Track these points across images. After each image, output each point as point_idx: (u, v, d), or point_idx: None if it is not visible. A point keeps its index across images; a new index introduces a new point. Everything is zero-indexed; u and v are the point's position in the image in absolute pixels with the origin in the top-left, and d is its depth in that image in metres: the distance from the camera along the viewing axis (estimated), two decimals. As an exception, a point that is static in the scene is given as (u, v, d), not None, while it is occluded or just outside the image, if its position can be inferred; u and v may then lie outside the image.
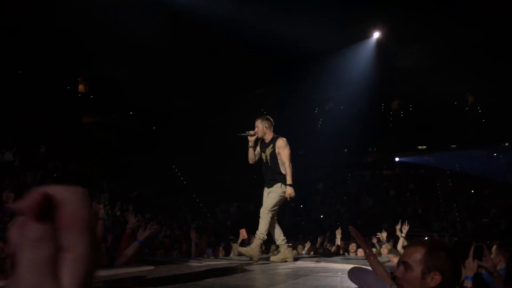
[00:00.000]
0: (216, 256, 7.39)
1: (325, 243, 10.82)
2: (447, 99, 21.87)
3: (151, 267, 5.19)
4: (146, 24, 15.76)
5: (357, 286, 2.33)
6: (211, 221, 17.32)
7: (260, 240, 6.05)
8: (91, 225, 0.56)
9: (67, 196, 0.55)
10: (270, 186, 6.19)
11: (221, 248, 8.03)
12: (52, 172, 14.11)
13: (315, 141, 20.65)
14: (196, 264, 5.78)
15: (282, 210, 18.69)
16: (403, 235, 7.63)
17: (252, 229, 10.13)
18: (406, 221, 7.96)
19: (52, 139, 15.81)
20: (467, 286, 2.37)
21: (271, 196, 6.13)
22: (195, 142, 19.12)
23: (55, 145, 15.67)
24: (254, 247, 6.04)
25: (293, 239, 13.40)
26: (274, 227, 6.33)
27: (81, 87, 20.49)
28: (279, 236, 6.33)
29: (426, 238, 6.11)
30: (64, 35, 15.34)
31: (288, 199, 6.12)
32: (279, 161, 6.17)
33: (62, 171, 14.12)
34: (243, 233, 8.56)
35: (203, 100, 19.90)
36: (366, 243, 3.40)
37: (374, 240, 8.71)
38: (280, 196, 6.06)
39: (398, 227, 7.80)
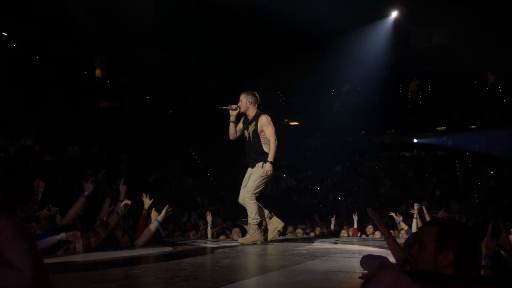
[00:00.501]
0: (232, 238, 7.45)
1: (344, 226, 10.81)
2: (466, 79, 21.45)
3: (169, 248, 5.26)
4: (162, 7, 15.75)
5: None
6: (228, 204, 17.44)
7: (254, 225, 5.79)
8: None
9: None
10: (252, 166, 5.89)
11: (238, 230, 8.10)
12: (71, 156, 14.32)
13: (332, 123, 20.50)
14: (212, 246, 5.84)
15: (300, 191, 18.91)
16: (415, 215, 7.56)
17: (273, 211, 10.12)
18: (420, 201, 7.89)
19: (71, 124, 16.01)
20: (485, 265, 2.35)
21: (253, 178, 5.82)
22: (212, 126, 19.16)
23: (74, 130, 15.87)
24: (253, 233, 5.80)
25: (310, 221, 13.47)
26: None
27: (98, 72, 20.64)
28: (254, 215, 5.87)
29: (438, 216, 6.02)
30: (80, 19, 15.40)
31: (266, 176, 5.77)
32: (262, 139, 5.87)
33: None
34: None
35: (220, 83, 19.87)
36: (385, 225, 3.38)
37: (399, 219, 8.61)
38: (262, 177, 5.75)
39: (417, 206, 7.71)
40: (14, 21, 15.60)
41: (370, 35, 20.44)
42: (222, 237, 8.09)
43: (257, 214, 5.79)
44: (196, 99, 19.59)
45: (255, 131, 5.88)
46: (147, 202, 5.87)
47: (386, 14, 20.29)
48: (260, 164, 5.77)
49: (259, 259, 4.71)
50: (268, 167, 5.69)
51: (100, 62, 20.49)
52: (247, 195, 5.79)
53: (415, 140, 22.21)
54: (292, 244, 6.15)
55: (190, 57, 18.01)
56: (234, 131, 6.11)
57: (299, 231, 10.44)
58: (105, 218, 4.94)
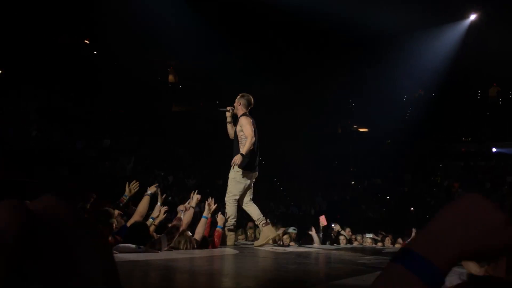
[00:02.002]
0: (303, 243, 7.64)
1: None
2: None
3: (236, 252, 5.34)
4: (228, 12, 16.09)
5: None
6: (294, 209, 17.40)
7: (227, 228, 5.96)
8: None
9: None
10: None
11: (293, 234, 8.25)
12: (144, 158, 14.96)
13: (404, 130, 19.86)
14: (276, 250, 5.86)
15: (368, 201, 18.49)
16: None
17: (337, 218, 10.05)
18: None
19: (145, 128, 16.72)
20: None
21: (229, 182, 6.04)
22: (284, 130, 19.23)
23: (147, 134, 16.57)
24: (229, 237, 5.96)
25: (379, 230, 13.08)
26: (250, 208, 6.14)
27: (171, 77, 21.41)
28: (257, 216, 6.03)
29: None
30: (155, 26, 16.07)
31: (232, 165, 5.90)
32: (240, 139, 6.01)
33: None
34: (322, 220, 8.57)
35: (286, 88, 19.92)
36: None
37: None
38: (237, 181, 5.92)
39: None
40: (90, 27, 16.54)
41: (444, 37, 19.59)
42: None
43: (233, 219, 6.00)
44: (263, 101, 19.74)
45: (235, 131, 6.14)
46: (195, 198, 5.92)
47: (462, 16, 19.37)
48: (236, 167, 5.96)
49: (326, 266, 4.67)
50: (237, 157, 5.86)
51: (173, 67, 21.25)
52: (226, 198, 6.06)
53: (494, 149, 20.98)
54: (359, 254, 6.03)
55: (256, 60, 18.24)
56: (231, 131, 6.33)
57: (367, 240, 10.21)
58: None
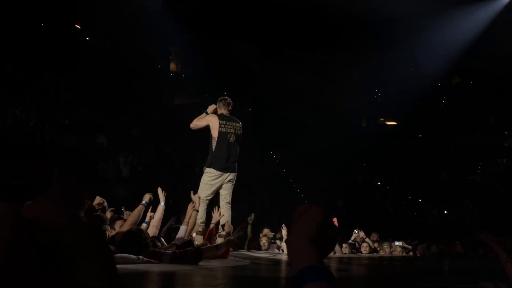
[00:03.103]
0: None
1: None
2: None
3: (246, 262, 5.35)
4: None
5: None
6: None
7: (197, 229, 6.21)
8: None
9: None
10: None
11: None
12: (145, 156, 14.99)
13: (437, 122, 19.71)
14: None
15: (394, 204, 18.40)
16: None
17: (361, 224, 10.02)
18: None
19: (145, 122, 16.77)
20: None
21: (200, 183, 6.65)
22: (299, 125, 19.20)
23: (148, 128, 16.61)
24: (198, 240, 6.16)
25: (405, 240, 12.94)
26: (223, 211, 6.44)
27: (172, 66, 21.42)
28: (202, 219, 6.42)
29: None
30: (155, 12, 16.13)
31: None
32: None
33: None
34: (334, 222, 8.62)
35: (303, 78, 19.88)
36: (502, 247, 3.30)
37: None
38: (204, 183, 6.53)
39: None
40: (88, 15, 16.67)
41: (478, 19, 19.28)
42: None
43: (199, 219, 6.22)
44: (280, 92, 19.73)
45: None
46: (216, 217, 6.18)
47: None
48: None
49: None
50: None
51: (175, 55, 21.27)
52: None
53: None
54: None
55: (275, 46, 18.21)
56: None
57: (396, 248, 10.15)
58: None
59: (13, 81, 13.62)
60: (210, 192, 6.48)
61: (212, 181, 6.47)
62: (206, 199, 6.44)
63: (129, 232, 4.85)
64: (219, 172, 6.48)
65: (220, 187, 6.56)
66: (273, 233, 9.13)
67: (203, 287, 3.27)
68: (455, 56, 19.65)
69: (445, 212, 17.45)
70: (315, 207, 0.90)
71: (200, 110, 7.22)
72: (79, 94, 15.29)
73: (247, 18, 17.16)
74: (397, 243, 11.53)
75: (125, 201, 6.54)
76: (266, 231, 9.09)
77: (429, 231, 13.69)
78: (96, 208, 5.47)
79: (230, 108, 6.91)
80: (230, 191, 6.61)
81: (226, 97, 7.05)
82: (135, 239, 4.67)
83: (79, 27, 17.73)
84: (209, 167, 6.55)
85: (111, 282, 0.58)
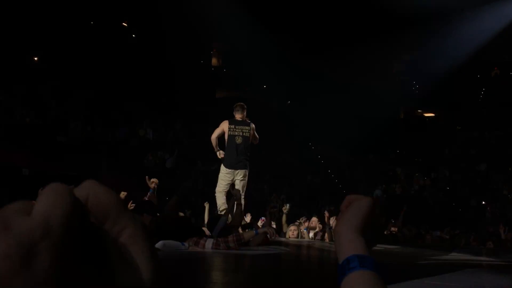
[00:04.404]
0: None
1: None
2: None
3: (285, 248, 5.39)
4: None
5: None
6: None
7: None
8: None
9: None
10: None
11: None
12: (187, 149, 15.19)
13: (477, 114, 19.17)
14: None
15: (436, 194, 17.99)
16: None
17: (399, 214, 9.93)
18: None
19: (187, 115, 16.98)
20: None
21: None
22: (337, 116, 19.04)
23: (190, 122, 16.82)
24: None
25: (442, 231, 12.72)
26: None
27: (214, 61, 21.57)
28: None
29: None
30: (198, 6, 16.24)
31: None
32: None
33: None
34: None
35: (339, 69, 19.69)
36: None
37: None
38: (220, 178, 7.55)
39: None
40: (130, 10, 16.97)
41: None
42: None
43: (220, 207, 7.41)
44: (318, 84, 19.61)
45: None
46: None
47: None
48: None
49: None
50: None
51: (216, 50, 21.39)
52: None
53: None
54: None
55: (315, 39, 18.09)
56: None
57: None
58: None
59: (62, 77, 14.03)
60: (225, 184, 7.45)
61: (225, 176, 7.47)
62: (224, 191, 7.45)
63: (176, 219, 4.99)
64: (230, 170, 7.45)
65: (233, 181, 7.48)
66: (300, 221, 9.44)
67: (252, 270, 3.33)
68: (494, 47, 19.06)
69: (483, 203, 17.02)
70: (363, 197, 0.93)
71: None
72: (124, 88, 15.61)
73: (286, 10, 17.09)
74: (434, 233, 11.37)
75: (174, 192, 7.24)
76: (314, 219, 9.50)
77: (468, 222, 13.41)
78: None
79: (244, 113, 7.71)
80: (241, 186, 7.39)
81: (241, 103, 7.79)
82: (182, 227, 4.79)
83: (126, 24, 18.06)
84: (222, 164, 7.57)
85: (155, 272, 0.55)
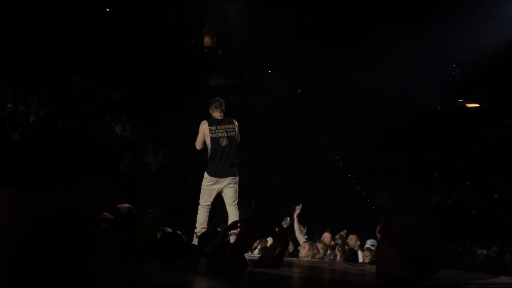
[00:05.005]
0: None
1: None
2: None
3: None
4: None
5: None
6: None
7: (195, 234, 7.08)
8: None
9: None
10: None
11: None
12: (174, 148, 15.19)
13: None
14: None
15: (481, 204, 17.96)
16: None
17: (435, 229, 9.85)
18: None
19: (175, 107, 16.98)
20: None
21: None
22: (359, 109, 19.10)
23: (176, 113, 16.83)
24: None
25: (488, 247, 12.67)
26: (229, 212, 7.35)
27: (207, 40, 21.41)
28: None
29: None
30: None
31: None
32: None
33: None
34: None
35: (363, 54, 19.74)
36: None
37: None
38: (203, 188, 7.40)
39: None
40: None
41: None
42: None
43: (200, 225, 7.30)
44: (338, 72, 19.63)
45: None
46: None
47: None
48: None
49: None
50: None
51: (209, 27, 21.30)
52: None
53: None
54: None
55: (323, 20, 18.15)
56: None
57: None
58: None
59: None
60: (208, 197, 7.36)
61: (209, 186, 7.34)
62: (206, 205, 7.37)
63: (167, 235, 5.05)
64: (214, 178, 7.32)
65: (220, 192, 7.38)
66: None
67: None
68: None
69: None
70: (409, 215, 0.94)
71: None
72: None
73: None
74: (479, 251, 11.32)
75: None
76: (326, 235, 9.11)
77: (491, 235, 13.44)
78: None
79: (223, 108, 7.59)
80: (232, 193, 7.36)
81: (217, 98, 7.67)
82: (173, 244, 4.83)
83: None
84: (205, 172, 7.43)
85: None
